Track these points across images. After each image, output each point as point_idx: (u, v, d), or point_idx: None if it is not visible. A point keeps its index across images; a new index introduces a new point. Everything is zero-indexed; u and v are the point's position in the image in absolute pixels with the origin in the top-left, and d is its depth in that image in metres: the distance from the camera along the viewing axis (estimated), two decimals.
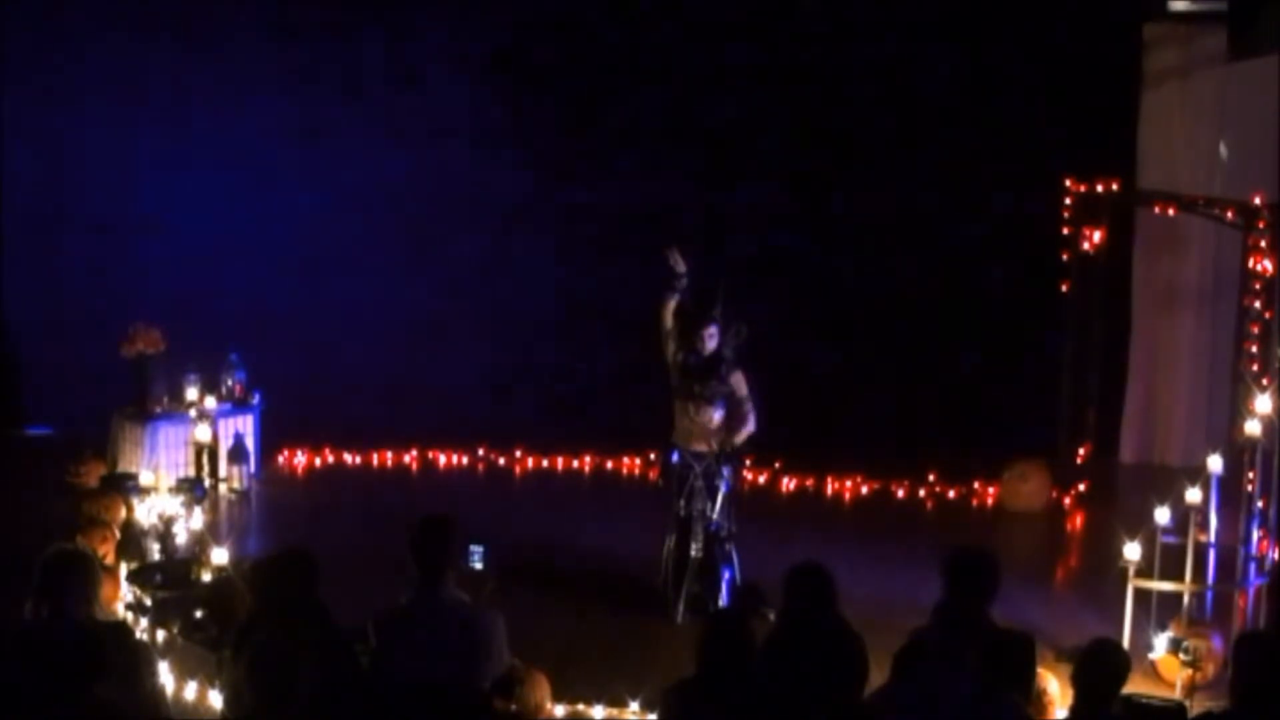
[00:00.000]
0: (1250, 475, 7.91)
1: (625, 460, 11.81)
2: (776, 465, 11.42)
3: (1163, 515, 7.46)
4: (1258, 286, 9.70)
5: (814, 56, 12.04)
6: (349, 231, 12.51)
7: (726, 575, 8.27)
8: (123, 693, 5.02)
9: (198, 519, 9.10)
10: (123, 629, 5.76)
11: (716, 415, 8.27)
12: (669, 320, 8.33)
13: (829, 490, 11.42)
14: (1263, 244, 9.70)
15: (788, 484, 11.43)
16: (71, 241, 12.35)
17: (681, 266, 8.28)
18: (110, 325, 10.82)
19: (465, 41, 12.39)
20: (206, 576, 8.04)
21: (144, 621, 7.53)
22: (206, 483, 10.29)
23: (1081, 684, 5.30)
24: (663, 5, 12.19)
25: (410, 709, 5.43)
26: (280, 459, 11.78)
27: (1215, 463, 7.69)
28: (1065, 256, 10.87)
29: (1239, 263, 10.15)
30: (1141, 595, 7.40)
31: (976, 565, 5.57)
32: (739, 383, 8.28)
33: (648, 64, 12.25)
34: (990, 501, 11.10)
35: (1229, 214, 10.44)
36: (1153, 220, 11.51)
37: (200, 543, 8.62)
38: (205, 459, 10.49)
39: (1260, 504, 7.88)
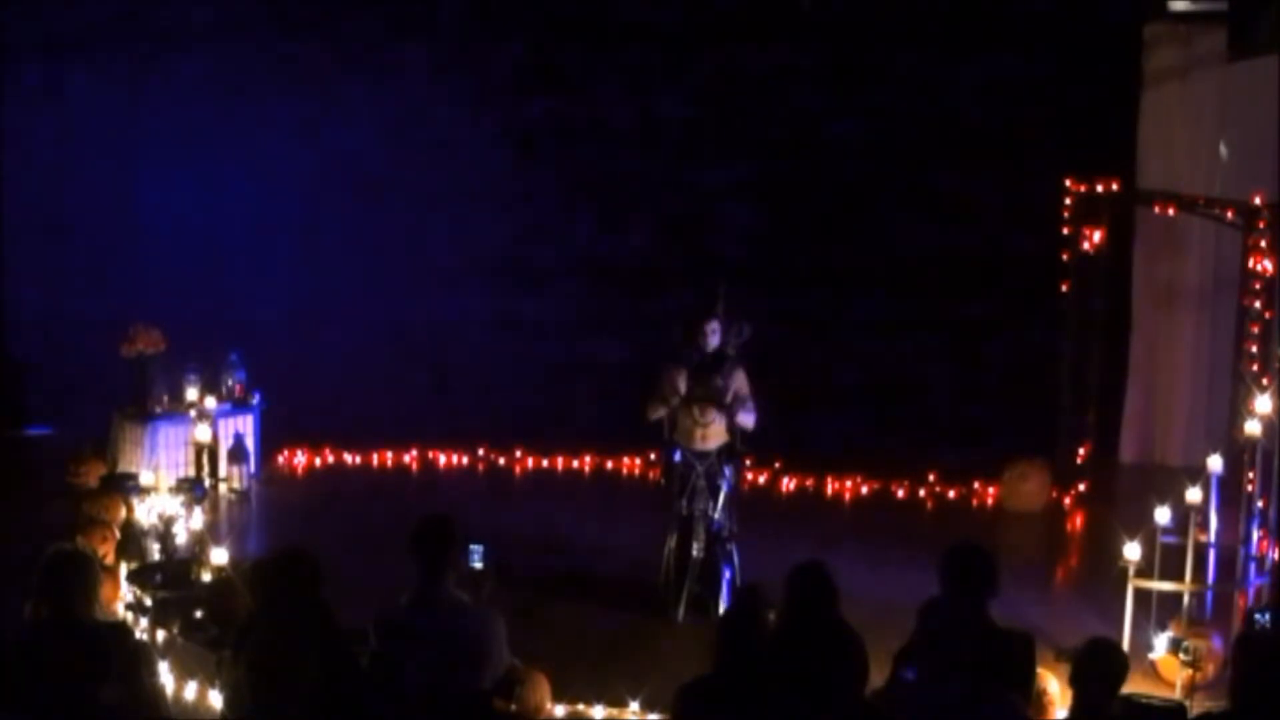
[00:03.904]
0: (1250, 475, 7.90)
1: (625, 460, 11.81)
2: (776, 465, 11.42)
3: (1163, 515, 7.44)
4: (1258, 286, 9.69)
5: (813, 57, 12.05)
6: (349, 231, 12.53)
7: (727, 575, 8.26)
8: (123, 693, 5.02)
9: (198, 519, 9.08)
10: (123, 629, 5.75)
11: (719, 415, 8.26)
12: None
13: (829, 490, 11.41)
14: (1263, 244, 9.69)
15: (788, 484, 11.43)
16: (72, 242, 12.36)
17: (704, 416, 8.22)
18: (110, 325, 10.83)
19: (468, 46, 12.40)
20: (206, 576, 8.04)
21: (144, 621, 7.52)
22: (206, 483, 10.28)
23: (1080, 684, 5.30)
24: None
25: (410, 709, 5.42)
26: (280, 459, 11.78)
27: (1215, 463, 7.68)
28: (1065, 256, 10.87)
29: (1239, 263, 10.15)
30: (1141, 595, 7.39)
31: (972, 562, 5.56)
32: (741, 382, 8.28)
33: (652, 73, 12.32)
34: (990, 501, 11.10)
35: (1229, 214, 10.43)
36: (1153, 220, 11.51)
37: (200, 543, 8.60)
38: (205, 459, 10.48)
39: (1260, 504, 7.87)
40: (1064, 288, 10.88)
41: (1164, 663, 7.28)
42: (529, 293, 12.59)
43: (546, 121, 12.50)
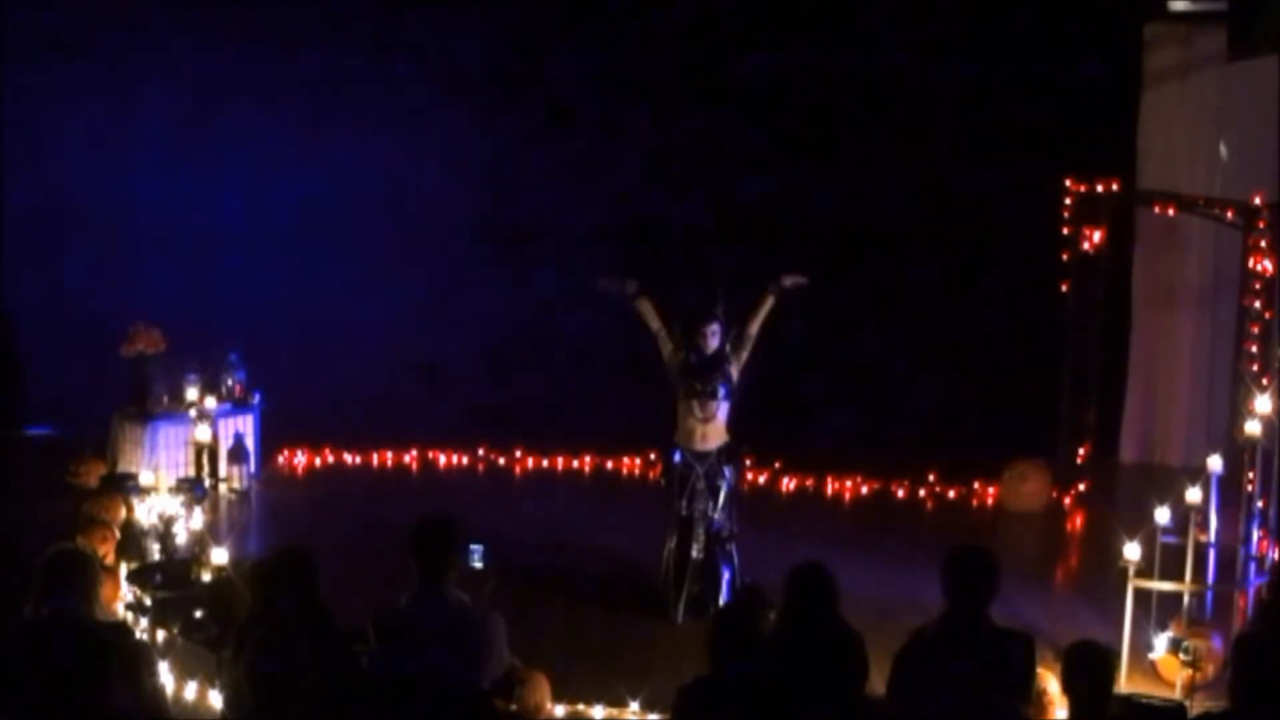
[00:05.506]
0: (1250, 475, 7.91)
1: (625, 460, 11.81)
2: (776, 465, 11.42)
3: (1163, 515, 7.45)
4: (1258, 286, 9.69)
5: (814, 57, 12.05)
6: (349, 231, 12.52)
7: (726, 575, 8.27)
8: (123, 693, 5.02)
9: (198, 519, 9.10)
10: (123, 629, 5.75)
11: (722, 409, 8.27)
12: (653, 322, 8.36)
13: (829, 490, 11.41)
14: (1263, 244, 9.70)
15: (788, 484, 11.43)
16: (72, 242, 12.35)
17: (630, 286, 8.34)
18: (110, 325, 10.82)
19: (457, 44, 12.40)
20: (206, 576, 8.02)
21: (144, 621, 7.52)
22: (206, 483, 10.29)
23: (1071, 689, 5.29)
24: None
25: (410, 709, 5.42)
26: (280, 459, 11.78)
27: (1215, 463, 7.69)
28: (1065, 256, 10.87)
29: (1239, 263, 10.15)
30: (1141, 595, 7.39)
31: (977, 566, 5.56)
32: (737, 350, 8.30)
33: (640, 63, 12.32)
34: (990, 501, 11.10)
35: (1229, 214, 10.44)
36: (1153, 220, 11.52)
37: (200, 543, 8.61)
38: (205, 459, 10.48)
39: (1260, 504, 7.88)
40: (1064, 288, 10.89)
41: (1164, 663, 7.29)
42: (530, 292, 12.59)
43: (547, 119, 12.51)
